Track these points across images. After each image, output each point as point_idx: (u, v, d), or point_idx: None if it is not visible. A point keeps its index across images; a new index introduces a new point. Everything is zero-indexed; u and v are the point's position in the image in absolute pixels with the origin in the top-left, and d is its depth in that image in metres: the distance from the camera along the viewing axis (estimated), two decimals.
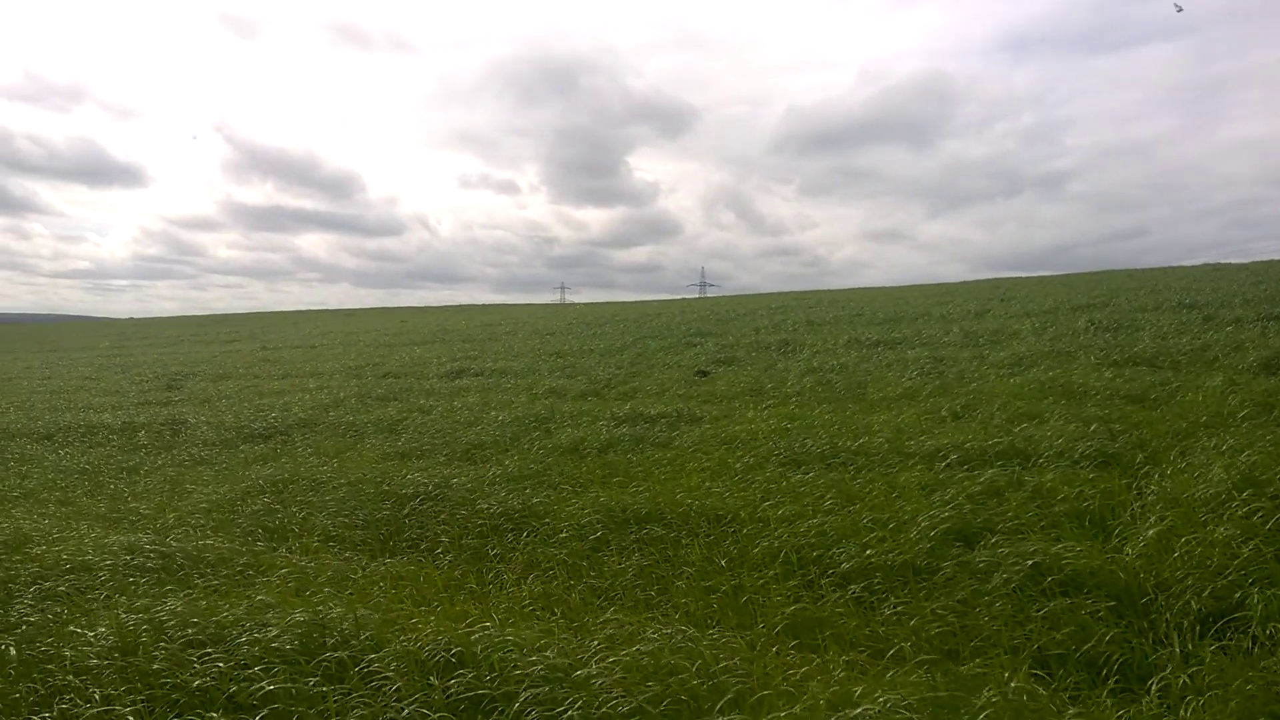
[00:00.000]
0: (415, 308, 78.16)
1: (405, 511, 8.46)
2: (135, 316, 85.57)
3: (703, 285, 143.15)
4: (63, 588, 6.17)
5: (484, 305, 75.48)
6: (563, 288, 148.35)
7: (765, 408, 12.07)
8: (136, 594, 5.97)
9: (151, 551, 7.26)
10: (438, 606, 5.61)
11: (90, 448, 13.54)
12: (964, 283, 45.09)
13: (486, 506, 8.23)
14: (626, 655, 4.37)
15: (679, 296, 74.83)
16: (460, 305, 73.32)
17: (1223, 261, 39.36)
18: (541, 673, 4.18)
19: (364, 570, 7.01)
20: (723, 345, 20.37)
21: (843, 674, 4.35)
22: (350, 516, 8.46)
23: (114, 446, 13.42)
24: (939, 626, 4.93)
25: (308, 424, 13.65)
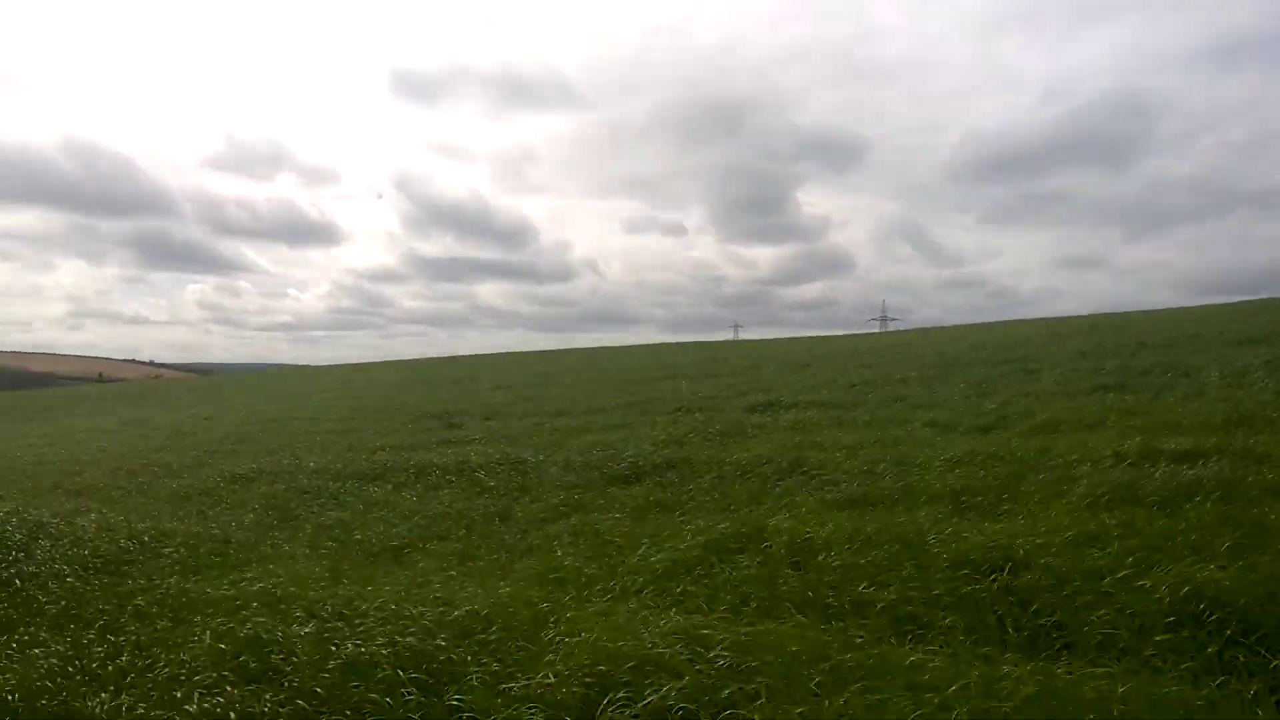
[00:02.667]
0: (638, 345, 75.67)
1: (994, 585, 5.94)
2: (333, 363, 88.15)
3: (884, 319, 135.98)
4: None
5: (713, 341, 71.85)
6: (736, 326, 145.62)
7: None
8: None
9: (724, 648, 5.01)
10: None
11: (429, 490, 11.78)
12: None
13: (1147, 585, 5.57)
14: None
15: (856, 332, 70.70)
16: (693, 342, 69.78)
17: None
18: None
19: (1016, 679, 4.55)
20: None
21: None
22: (917, 588, 6.00)
23: (456, 489, 11.60)
24: None
25: (672, 464, 11.41)
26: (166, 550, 8.94)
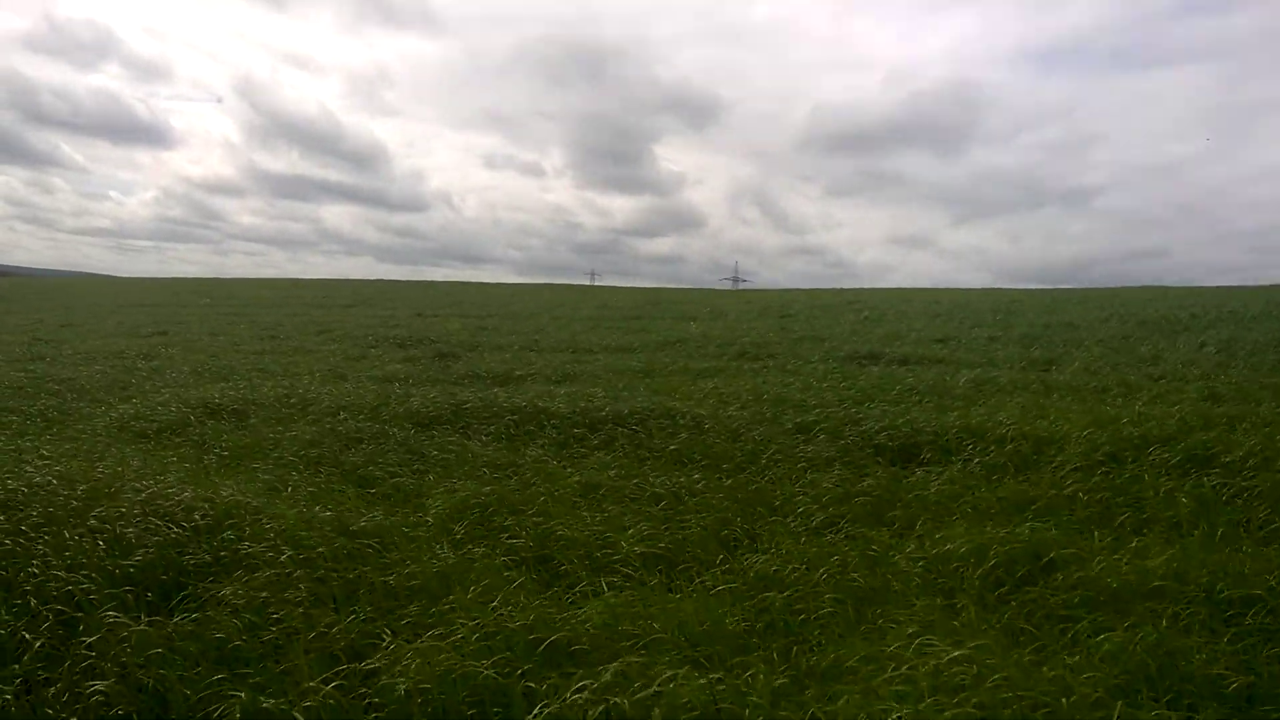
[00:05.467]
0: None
1: None
2: (157, 277, 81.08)
3: (736, 279, 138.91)
4: None
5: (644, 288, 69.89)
6: (593, 274, 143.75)
7: None
8: None
9: None
10: None
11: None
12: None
13: None
14: None
15: (708, 288, 72.32)
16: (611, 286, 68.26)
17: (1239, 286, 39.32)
18: None
19: None
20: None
21: None
22: None
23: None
24: None
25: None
26: None
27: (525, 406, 10.18)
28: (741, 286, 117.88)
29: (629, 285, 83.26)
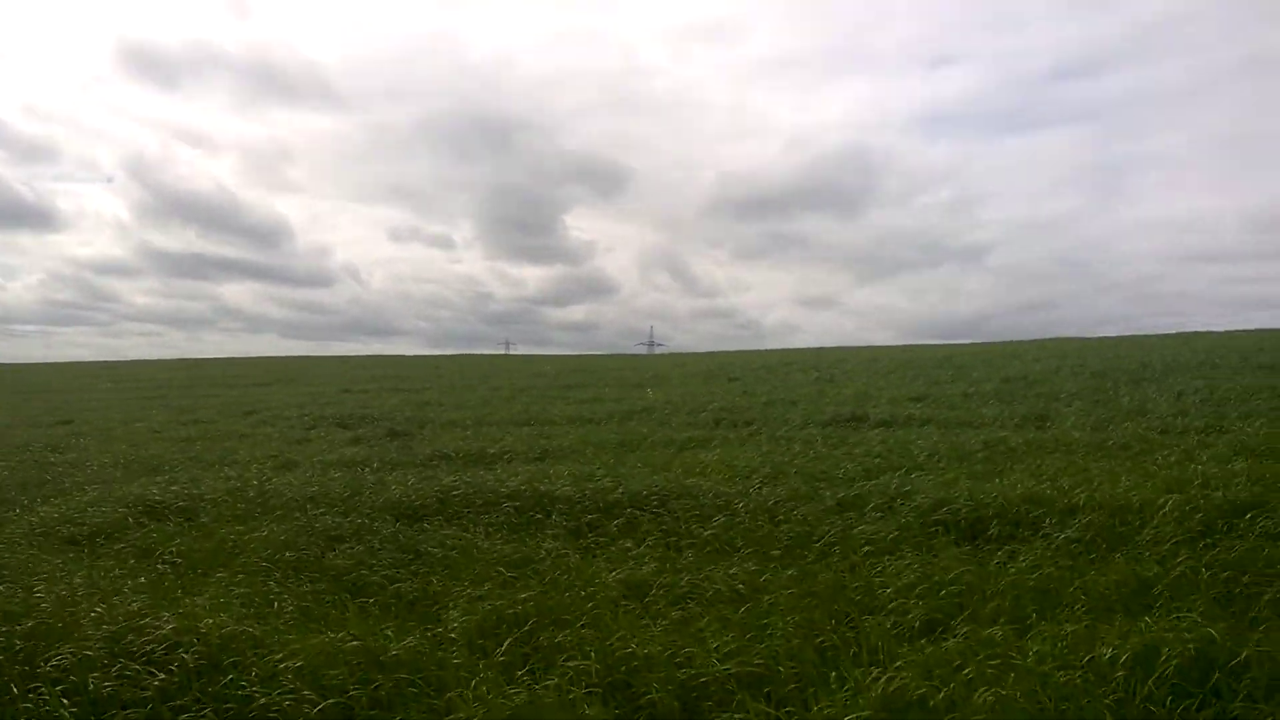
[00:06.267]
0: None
1: None
2: (52, 362, 76.86)
3: (651, 344, 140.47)
4: None
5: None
6: (507, 343, 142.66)
7: None
8: None
9: None
10: None
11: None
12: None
13: None
14: None
15: (626, 353, 73.61)
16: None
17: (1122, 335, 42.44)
18: None
19: None
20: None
21: None
22: None
23: None
24: None
25: None
26: None
27: (524, 490, 9.12)
28: (657, 351, 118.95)
29: (545, 353, 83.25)
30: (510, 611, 5.85)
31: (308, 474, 11.59)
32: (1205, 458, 9.36)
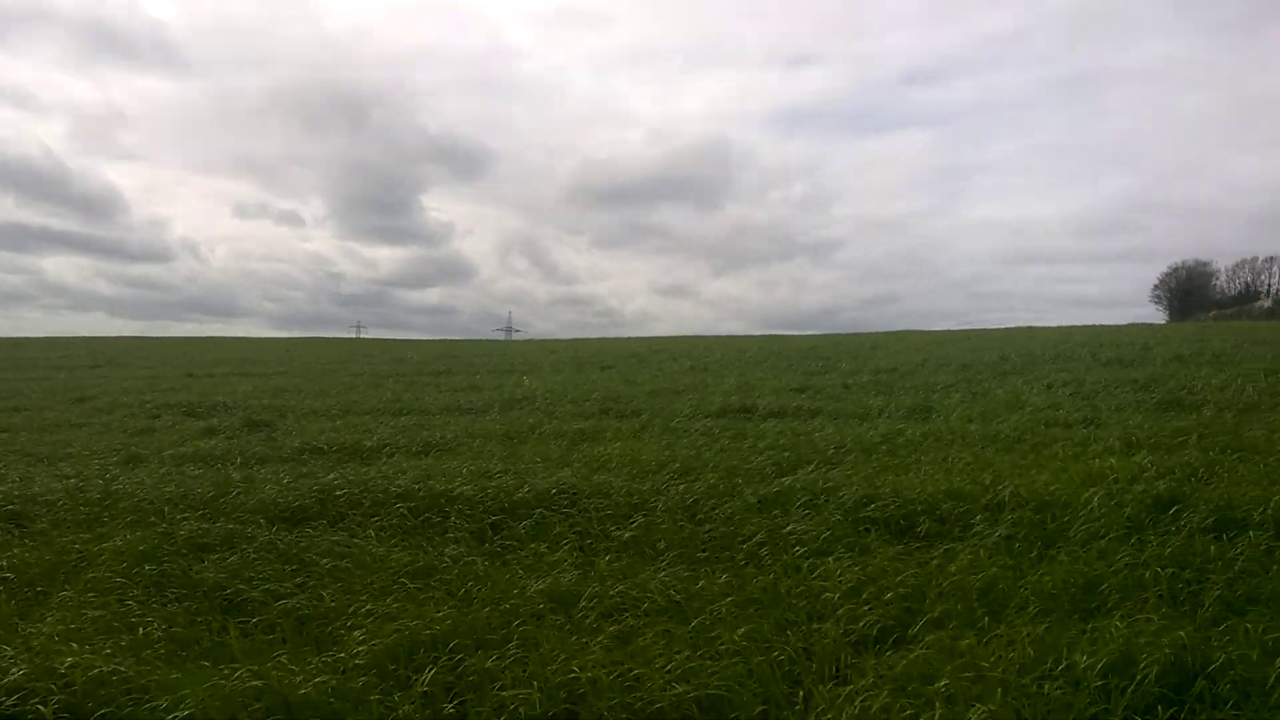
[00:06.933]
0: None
1: None
2: None
3: (509, 330, 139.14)
4: None
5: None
6: (359, 326, 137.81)
7: None
8: None
9: None
10: None
11: None
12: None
13: None
14: None
15: (483, 339, 73.33)
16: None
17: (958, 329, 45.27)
18: None
19: None
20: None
21: None
22: None
23: None
24: None
25: None
26: None
27: (417, 489, 8.33)
28: (515, 337, 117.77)
29: (401, 338, 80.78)
30: (426, 633, 5.15)
31: (160, 470, 10.35)
32: (1100, 449, 9.55)
